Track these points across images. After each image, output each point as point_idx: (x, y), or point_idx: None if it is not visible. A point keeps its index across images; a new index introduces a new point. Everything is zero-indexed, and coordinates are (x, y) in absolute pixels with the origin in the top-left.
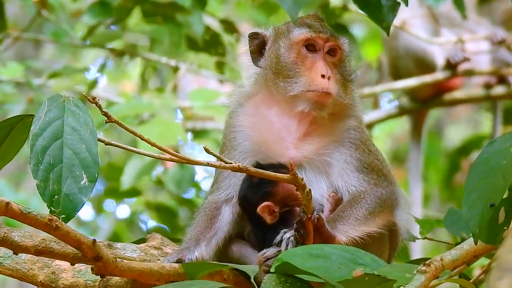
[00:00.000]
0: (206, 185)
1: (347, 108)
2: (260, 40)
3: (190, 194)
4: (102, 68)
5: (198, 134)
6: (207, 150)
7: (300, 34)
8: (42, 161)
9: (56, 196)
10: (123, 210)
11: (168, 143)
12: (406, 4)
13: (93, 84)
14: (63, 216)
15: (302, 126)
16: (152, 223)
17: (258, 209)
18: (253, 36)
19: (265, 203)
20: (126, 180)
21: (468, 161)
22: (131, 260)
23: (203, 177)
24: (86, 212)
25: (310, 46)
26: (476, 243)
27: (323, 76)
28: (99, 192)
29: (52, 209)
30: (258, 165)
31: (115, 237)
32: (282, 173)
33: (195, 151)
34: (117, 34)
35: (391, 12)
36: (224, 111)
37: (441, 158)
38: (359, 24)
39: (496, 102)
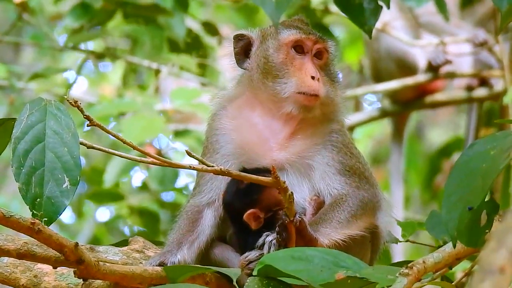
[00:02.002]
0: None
1: (332, 111)
2: (245, 42)
3: (172, 196)
4: (79, 69)
5: (181, 134)
6: (189, 154)
7: (289, 35)
8: (24, 164)
9: (38, 199)
10: (103, 213)
11: (150, 137)
12: (388, 7)
13: (72, 85)
14: (45, 219)
15: (287, 127)
16: (134, 227)
17: (244, 217)
18: (238, 38)
19: (251, 210)
20: (109, 179)
21: (449, 163)
22: (113, 263)
23: (186, 182)
24: (66, 215)
25: (298, 47)
26: (454, 246)
27: (312, 77)
28: (80, 196)
29: (34, 212)
30: (243, 170)
31: (95, 241)
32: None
33: (178, 154)
34: (96, 34)
35: (373, 16)
36: (206, 109)
37: (421, 160)
38: (340, 27)
39: (473, 104)
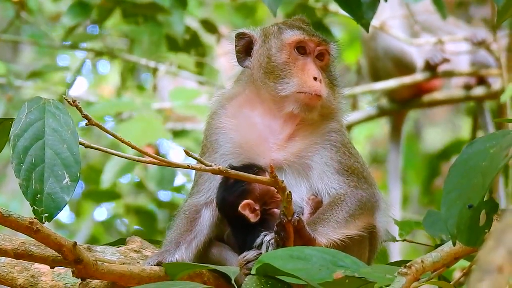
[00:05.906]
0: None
1: (331, 112)
2: (247, 40)
3: (169, 196)
4: (79, 69)
5: (178, 134)
6: (187, 153)
7: (292, 35)
8: (24, 161)
9: (38, 195)
10: (100, 213)
11: (149, 140)
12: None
13: (71, 85)
14: (46, 214)
15: (287, 127)
16: (131, 226)
17: (239, 208)
18: (239, 36)
19: (245, 201)
20: (106, 179)
21: (449, 165)
22: (111, 263)
23: (183, 181)
24: (64, 215)
25: (301, 48)
26: (454, 243)
27: (315, 78)
28: (78, 195)
29: (35, 208)
30: (232, 168)
31: (93, 240)
32: (256, 173)
33: (175, 151)
34: (95, 35)
35: (371, 9)
36: (204, 110)
37: (419, 160)
38: (338, 27)
39: (482, 104)
